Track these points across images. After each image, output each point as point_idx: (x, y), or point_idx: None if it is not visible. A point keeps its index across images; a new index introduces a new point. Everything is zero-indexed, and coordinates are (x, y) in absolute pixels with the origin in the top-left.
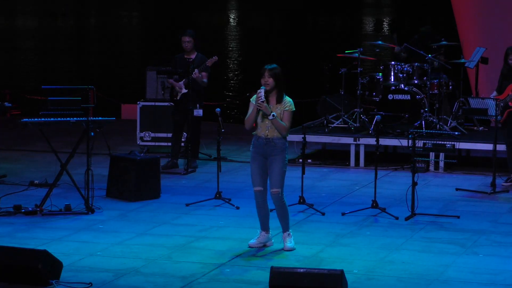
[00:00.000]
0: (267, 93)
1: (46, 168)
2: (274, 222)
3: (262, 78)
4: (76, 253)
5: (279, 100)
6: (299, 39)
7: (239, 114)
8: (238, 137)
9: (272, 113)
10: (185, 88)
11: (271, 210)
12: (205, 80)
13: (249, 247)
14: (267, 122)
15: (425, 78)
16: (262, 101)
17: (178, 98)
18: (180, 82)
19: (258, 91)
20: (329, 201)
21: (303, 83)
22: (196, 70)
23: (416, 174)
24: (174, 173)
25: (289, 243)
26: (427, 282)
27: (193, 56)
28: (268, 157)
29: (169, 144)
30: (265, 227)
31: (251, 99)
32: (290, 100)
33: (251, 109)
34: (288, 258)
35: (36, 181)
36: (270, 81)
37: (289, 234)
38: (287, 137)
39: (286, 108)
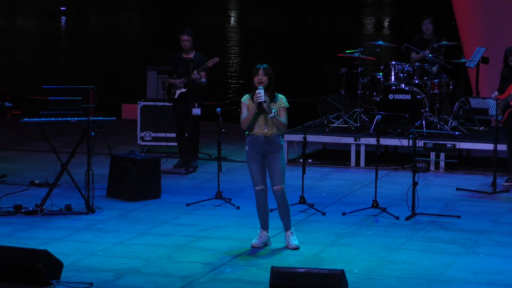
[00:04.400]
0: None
1: (47, 168)
2: (273, 222)
3: (256, 76)
4: (76, 253)
5: (273, 98)
6: (299, 39)
7: (240, 114)
8: (238, 137)
9: (273, 110)
10: (184, 87)
11: (271, 210)
12: (203, 80)
13: (252, 247)
14: (264, 120)
15: (425, 78)
16: (263, 101)
17: (176, 96)
18: (179, 80)
19: (257, 91)
20: (329, 201)
21: (304, 83)
22: (195, 72)
23: (416, 174)
24: (175, 173)
25: (294, 240)
26: (427, 282)
27: (191, 55)
28: (267, 155)
29: (170, 144)
30: (266, 226)
31: (242, 100)
32: (283, 96)
33: (245, 109)
34: (288, 258)
35: (37, 181)
36: (265, 79)
37: (291, 232)
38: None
39: (282, 105)
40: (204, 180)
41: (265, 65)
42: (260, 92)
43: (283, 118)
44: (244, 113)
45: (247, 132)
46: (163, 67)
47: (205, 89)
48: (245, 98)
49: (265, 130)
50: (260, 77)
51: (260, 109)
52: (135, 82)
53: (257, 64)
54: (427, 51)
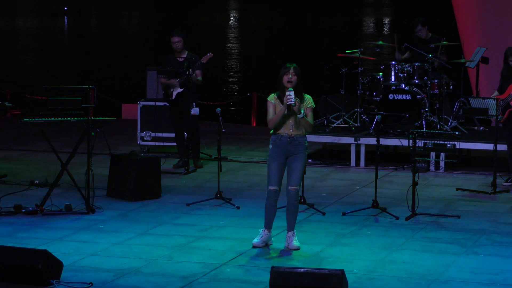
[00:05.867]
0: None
1: (47, 168)
2: (274, 222)
3: (286, 75)
4: (76, 253)
5: (301, 99)
6: (299, 38)
7: (240, 114)
8: (238, 137)
9: (301, 111)
10: (181, 87)
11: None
12: (199, 78)
13: (253, 246)
14: (290, 121)
15: (425, 78)
16: (293, 103)
17: (173, 97)
18: (175, 81)
19: (287, 92)
20: (329, 201)
21: (304, 83)
22: (195, 70)
23: (416, 174)
24: (175, 173)
25: (295, 241)
26: (427, 282)
27: (184, 55)
28: (290, 155)
29: (169, 144)
30: (270, 226)
31: (268, 99)
32: (309, 96)
33: (271, 109)
34: (288, 258)
35: (37, 181)
36: (295, 79)
37: (293, 233)
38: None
39: (309, 105)
40: (204, 180)
41: (294, 64)
42: (291, 94)
43: (309, 118)
44: (271, 113)
45: (272, 131)
46: (163, 67)
47: (200, 87)
48: (272, 97)
49: (291, 131)
50: (290, 76)
51: (290, 111)
52: (135, 82)
53: (255, 63)
54: (407, 53)
